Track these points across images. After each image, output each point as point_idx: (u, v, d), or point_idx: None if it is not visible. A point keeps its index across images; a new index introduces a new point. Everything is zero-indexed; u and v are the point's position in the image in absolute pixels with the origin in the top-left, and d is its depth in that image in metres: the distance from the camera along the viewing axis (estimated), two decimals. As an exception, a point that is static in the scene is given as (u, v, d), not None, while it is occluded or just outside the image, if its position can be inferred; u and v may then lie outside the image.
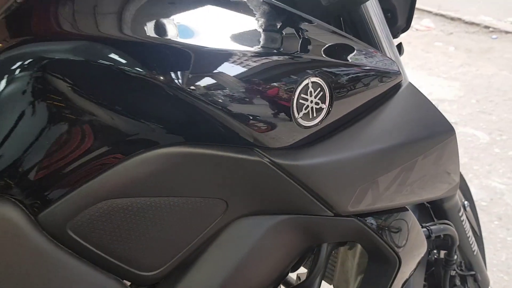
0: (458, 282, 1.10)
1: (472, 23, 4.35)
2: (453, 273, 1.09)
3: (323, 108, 0.57)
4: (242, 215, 0.60)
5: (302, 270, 0.78)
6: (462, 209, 1.05)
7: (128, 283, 0.59)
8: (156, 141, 0.52)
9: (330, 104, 0.57)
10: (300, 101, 0.55)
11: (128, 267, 0.56)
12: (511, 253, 1.91)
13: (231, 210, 0.58)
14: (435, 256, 1.09)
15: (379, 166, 0.62)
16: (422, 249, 0.79)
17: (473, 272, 1.12)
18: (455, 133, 0.72)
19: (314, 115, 0.56)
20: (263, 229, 0.61)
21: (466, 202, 1.11)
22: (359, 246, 0.77)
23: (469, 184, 1.30)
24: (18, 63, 0.47)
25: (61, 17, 0.48)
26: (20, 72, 0.47)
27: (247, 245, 0.61)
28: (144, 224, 0.54)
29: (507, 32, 4.14)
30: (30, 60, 0.47)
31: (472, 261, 1.12)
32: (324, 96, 0.56)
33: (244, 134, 0.53)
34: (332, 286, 0.84)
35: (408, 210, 0.76)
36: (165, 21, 0.51)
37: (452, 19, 4.48)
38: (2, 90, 0.47)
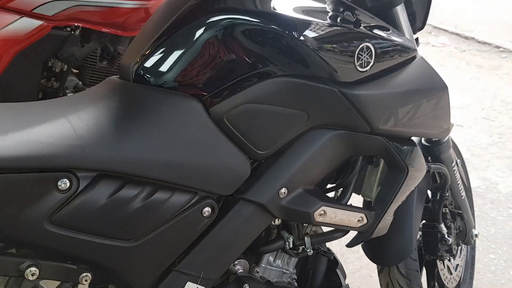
0: (449, 217, 1.49)
1: (484, 43, 4.72)
2: (445, 210, 1.48)
3: (370, 62, 0.98)
4: (314, 126, 1.00)
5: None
6: (455, 162, 1.44)
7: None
8: (274, 71, 0.92)
9: (375, 60, 0.98)
10: (358, 55, 0.96)
11: (252, 147, 0.95)
12: (499, 228, 2.28)
13: (310, 120, 0.98)
14: (432, 198, 1.48)
15: (400, 100, 1.03)
16: (422, 172, 1.17)
17: (460, 212, 1.51)
18: (448, 90, 1.13)
19: (365, 65, 0.97)
20: (325, 138, 1.01)
21: (458, 160, 1.50)
22: (380, 165, 1.16)
23: (469, 174, 1.68)
24: (219, 21, 0.89)
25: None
26: (218, 25, 0.89)
27: (313, 148, 1.01)
28: (269, 122, 0.94)
29: (516, 53, 4.51)
30: (223, 19, 0.89)
31: (461, 204, 1.51)
32: (371, 55, 0.97)
33: (326, 71, 0.94)
34: (360, 196, 1.23)
35: (416, 145, 1.15)
36: (278, 3, 0.92)
37: (466, 38, 4.86)
38: (203, 31, 0.89)
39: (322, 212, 1.02)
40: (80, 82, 1.92)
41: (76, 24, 1.79)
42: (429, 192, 1.49)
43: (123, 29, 1.83)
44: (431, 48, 4.58)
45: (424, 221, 1.49)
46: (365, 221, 1.10)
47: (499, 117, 3.33)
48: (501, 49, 4.59)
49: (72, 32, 1.82)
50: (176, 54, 0.92)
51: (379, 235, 1.16)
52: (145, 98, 0.91)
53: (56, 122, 0.83)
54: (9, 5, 1.66)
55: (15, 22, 1.67)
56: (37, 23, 1.69)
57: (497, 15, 5.68)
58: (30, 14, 1.68)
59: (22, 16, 1.67)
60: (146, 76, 0.93)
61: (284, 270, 1.17)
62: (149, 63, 0.93)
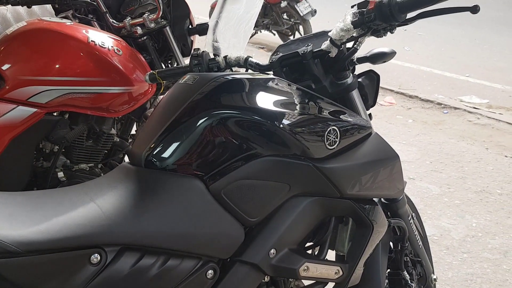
0: (410, 265, 1.70)
1: (427, 100, 5.18)
2: (406, 259, 1.70)
3: (337, 141, 1.21)
4: (295, 195, 1.21)
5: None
6: (410, 216, 1.68)
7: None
8: (261, 153, 1.14)
9: (340, 139, 1.22)
10: (327, 136, 1.19)
11: (246, 216, 1.14)
12: (455, 272, 2.52)
13: (291, 190, 1.19)
14: (394, 248, 1.69)
15: (362, 170, 1.26)
16: (384, 227, 1.40)
17: (419, 259, 1.73)
18: (399, 159, 1.38)
19: (333, 143, 1.21)
20: (304, 204, 1.22)
21: (413, 213, 1.73)
22: (350, 224, 1.37)
23: (424, 223, 1.92)
24: (215, 115, 1.10)
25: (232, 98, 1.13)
26: (212, 119, 1.10)
27: (295, 213, 1.21)
28: (258, 194, 1.14)
29: (456, 108, 4.97)
30: (219, 113, 1.11)
31: (419, 252, 1.73)
32: (337, 135, 1.21)
33: (302, 150, 1.17)
34: (334, 251, 1.43)
35: (378, 205, 1.38)
36: (260, 100, 1.16)
37: (411, 96, 5.32)
38: (202, 124, 1.10)
39: (305, 267, 1.21)
40: (68, 161, 2.07)
41: (66, 110, 1.97)
42: (391, 244, 1.71)
43: (108, 112, 2.02)
44: (380, 107, 4.98)
45: (389, 270, 1.70)
46: (341, 273, 1.29)
47: (446, 169, 3.66)
48: (442, 105, 5.05)
49: (62, 116, 2.00)
50: (180, 143, 1.13)
51: (353, 285, 1.36)
52: (156, 181, 1.10)
53: (84, 205, 1.01)
54: (6, 96, 1.83)
55: (11, 111, 1.83)
56: (31, 110, 1.87)
57: (437, 71, 6.26)
58: (25, 103, 1.86)
59: (18, 105, 1.84)
60: (154, 161, 1.13)
61: (274, 321, 1.34)
62: (157, 151, 1.14)
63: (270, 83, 1.21)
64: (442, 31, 8.27)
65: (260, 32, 7.40)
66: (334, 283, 1.33)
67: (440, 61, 6.72)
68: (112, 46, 1.97)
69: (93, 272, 0.95)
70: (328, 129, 1.21)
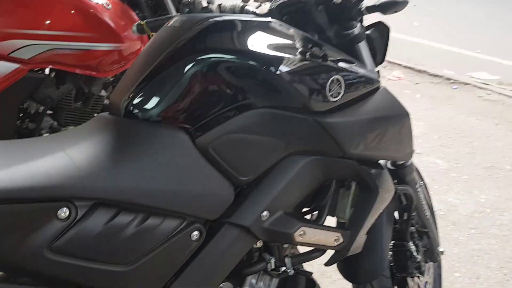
0: (416, 236, 1.59)
1: (436, 75, 5.02)
2: (412, 229, 1.58)
3: (341, 92, 1.09)
4: (291, 153, 1.08)
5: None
6: (418, 184, 1.56)
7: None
8: (255, 104, 1.02)
9: (345, 91, 1.09)
10: (330, 86, 1.06)
11: (236, 174, 1.02)
12: (462, 248, 2.41)
13: (288, 147, 1.06)
14: (400, 218, 1.58)
15: (368, 127, 1.13)
16: (390, 193, 1.27)
17: (426, 230, 1.61)
18: (409, 117, 1.25)
19: (336, 95, 1.08)
20: (301, 164, 1.09)
21: (421, 182, 1.61)
22: (352, 188, 1.25)
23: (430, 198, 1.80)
24: (202, 60, 0.98)
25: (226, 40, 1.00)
26: (202, 63, 0.98)
27: (291, 173, 1.09)
28: (250, 150, 1.02)
29: (465, 84, 4.81)
30: (207, 58, 0.98)
31: (426, 223, 1.61)
32: (341, 86, 1.08)
33: (301, 101, 1.04)
34: (334, 218, 1.31)
35: (384, 168, 1.26)
36: (256, 43, 1.02)
37: (419, 71, 5.15)
38: (189, 70, 0.97)
39: (302, 232, 1.09)
40: (56, 123, 1.96)
41: (51, 67, 1.85)
42: (396, 214, 1.60)
43: (97, 71, 1.90)
44: (387, 82, 4.82)
45: (393, 241, 1.58)
46: (341, 240, 1.18)
47: (454, 143, 3.53)
48: (452, 80, 4.89)
49: (48, 74, 1.88)
50: (163, 91, 1.00)
51: (354, 254, 1.24)
52: (135, 132, 0.98)
53: (55, 155, 0.89)
54: (-14, 50, 1.71)
55: (-9, 66, 1.71)
56: (13, 66, 1.75)
57: (447, 47, 6.07)
58: (7, 58, 1.73)
59: (-1, 60, 1.72)
60: (135, 112, 1.01)
61: (267, 293, 1.23)
62: (138, 100, 1.01)
63: (268, 26, 1.08)
64: (453, 6, 8.02)
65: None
66: (333, 252, 1.22)
67: (450, 36, 6.51)
68: (101, 0, 1.84)
69: (60, 228, 0.84)
70: (332, 78, 1.08)
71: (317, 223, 1.17)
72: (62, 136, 1.01)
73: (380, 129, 1.17)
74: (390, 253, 1.61)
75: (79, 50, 1.82)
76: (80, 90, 1.96)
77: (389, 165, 1.50)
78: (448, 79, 4.93)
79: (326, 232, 1.15)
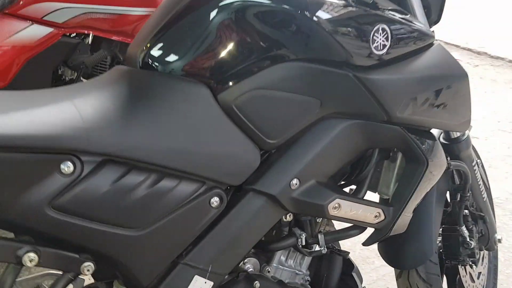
0: (470, 219, 1.42)
1: (497, 57, 4.67)
2: (466, 212, 1.42)
3: (386, 45, 0.94)
4: (328, 115, 0.95)
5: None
6: (475, 162, 1.38)
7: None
8: (287, 55, 0.89)
9: (391, 44, 0.94)
10: (374, 37, 0.92)
11: (262, 136, 0.91)
12: (520, 238, 2.20)
13: (323, 107, 0.94)
14: (452, 200, 1.41)
15: (418, 86, 0.98)
16: (442, 167, 1.12)
17: (482, 214, 1.44)
18: (468, 78, 1.08)
19: (381, 48, 0.94)
20: (339, 128, 0.96)
21: (478, 160, 1.44)
22: (398, 160, 1.10)
23: None
24: (228, 4, 0.86)
25: None
26: (228, 8, 0.86)
27: (327, 138, 0.96)
28: (279, 109, 0.91)
29: (530, 67, 4.45)
30: (233, 2, 0.86)
31: (482, 206, 1.44)
32: (387, 37, 0.94)
33: (340, 54, 0.91)
34: (376, 194, 1.17)
35: (436, 139, 1.10)
36: None
37: (479, 53, 4.81)
38: (213, 16, 0.86)
39: (336, 205, 0.97)
40: (90, 90, 1.91)
41: (86, 32, 1.79)
42: (448, 196, 1.44)
43: (132, 37, 1.82)
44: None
45: (444, 226, 1.43)
46: (382, 217, 1.04)
47: (516, 129, 3.25)
48: (514, 63, 4.54)
49: (82, 40, 1.83)
50: (183, 40, 0.90)
51: (397, 233, 1.11)
52: (152, 84, 0.89)
53: (62, 106, 0.81)
54: (19, 12, 1.67)
55: (25, 29, 1.67)
56: (47, 30, 1.70)
57: (508, 31, 5.64)
58: (41, 22, 1.69)
59: (33, 23, 1.68)
60: (152, 63, 0.91)
61: (297, 271, 1.12)
62: (155, 50, 0.91)
63: None
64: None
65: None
66: (373, 230, 1.08)
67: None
68: (136, -38, 1.75)
69: (63, 184, 0.76)
70: (376, 27, 0.93)
71: (355, 196, 1.04)
72: (73, 87, 0.93)
73: (432, 90, 1.01)
74: (440, 239, 1.46)
75: (113, 14, 1.75)
76: (115, 58, 1.90)
77: (441, 139, 1.35)
78: (511, 61, 4.58)
79: (365, 207, 1.02)
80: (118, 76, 0.91)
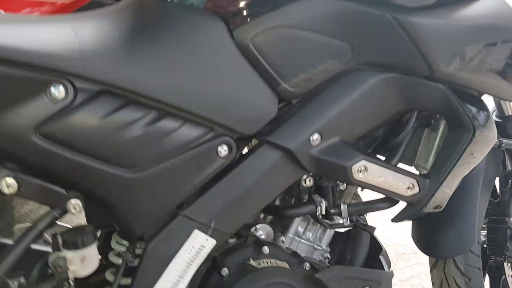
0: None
1: None
2: (518, 203, 1.25)
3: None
4: (360, 65, 0.83)
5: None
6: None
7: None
8: None
9: None
10: None
11: (282, 82, 0.80)
12: None
13: (354, 54, 0.81)
14: (502, 188, 1.25)
15: (468, 36, 0.84)
16: (491, 139, 0.96)
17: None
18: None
19: None
20: (372, 81, 0.84)
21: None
22: (440, 130, 0.96)
23: None
24: None
25: None
26: None
27: (356, 91, 0.84)
28: (303, 52, 0.80)
29: None
30: None
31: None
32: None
33: None
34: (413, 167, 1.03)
35: (486, 106, 0.95)
36: None
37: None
38: None
39: (362, 167, 0.84)
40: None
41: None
42: (497, 185, 1.28)
43: None
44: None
45: (490, 216, 1.26)
46: (416, 189, 0.91)
47: None
48: None
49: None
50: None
51: (434, 214, 0.97)
52: (161, 13, 0.80)
53: (60, 27, 0.73)
54: None
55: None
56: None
57: None
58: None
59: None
60: None
61: (315, 245, 1.00)
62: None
63: None
64: None
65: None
66: (405, 204, 0.95)
67: None
68: None
69: (53, 109, 0.68)
70: None
71: (385, 162, 0.91)
72: (79, 14, 0.85)
73: (485, 43, 0.87)
74: (484, 233, 1.30)
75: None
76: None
77: (494, 117, 1.19)
78: None
79: (396, 175, 0.88)
80: (130, 4, 0.83)
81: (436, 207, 0.95)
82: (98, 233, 0.91)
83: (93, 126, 0.70)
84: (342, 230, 1.06)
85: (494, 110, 1.20)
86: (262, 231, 0.94)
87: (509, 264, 1.28)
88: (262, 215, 0.98)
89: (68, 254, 0.72)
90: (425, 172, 0.97)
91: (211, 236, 0.80)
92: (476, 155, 0.95)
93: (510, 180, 1.21)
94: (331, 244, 1.03)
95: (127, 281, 0.80)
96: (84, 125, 0.70)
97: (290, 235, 0.97)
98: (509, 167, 1.22)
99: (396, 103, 0.87)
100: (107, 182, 0.73)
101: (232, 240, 0.92)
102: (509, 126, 1.16)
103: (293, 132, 0.81)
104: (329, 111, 0.82)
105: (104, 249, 0.87)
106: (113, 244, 0.87)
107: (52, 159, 0.69)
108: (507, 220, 1.21)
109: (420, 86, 0.86)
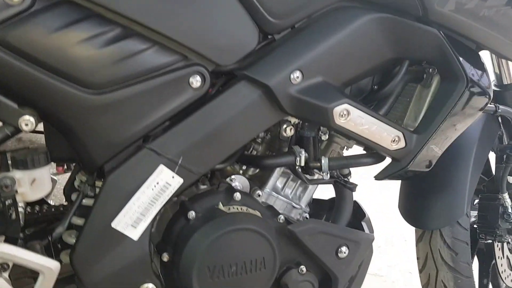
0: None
1: None
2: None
3: None
4: (347, 1, 0.78)
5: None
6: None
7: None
8: None
9: None
10: None
11: (265, 13, 0.74)
12: None
13: None
14: (497, 163, 1.19)
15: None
16: (486, 96, 0.89)
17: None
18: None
19: None
20: (360, 20, 0.78)
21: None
22: (433, 85, 0.90)
23: None
24: None
25: None
26: None
27: (343, 30, 0.78)
28: None
29: None
30: None
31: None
32: None
33: None
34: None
35: (482, 60, 0.90)
36: None
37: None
38: None
39: (344, 112, 0.79)
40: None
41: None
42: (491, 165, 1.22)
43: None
44: None
45: (483, 193, 1.20)
46: (402, 143, 0.85)
47: None
48: None
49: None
50: None
51: (421, 172, 0.91)
52: None
53: None
54: None
55: None
56: None
57: None
58: None
59: None
60: None
61: (294, 204, 0.94)
62: None
63: None
64: None
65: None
66: (390, 159, 0.89)
67: None
68: None
69: (7, 12, 0.62)
70: None
71: (370, 110, 0.85)
72: None
73: None
74: (475, 214, 1.24)
75: None
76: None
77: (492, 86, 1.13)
78: None
79: (381, 124, 0.82)
80: None
81: (423, 166, 0.89)
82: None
83: (51, 36, 0.65)
84: (325, 199, 1.01)
85: (493, 80, 1.14)
86: (238, 181, 0.88)
87: (499, 245, 1.22)
88: (241, 170, 0.92)
89: (17, 174, 0.66)
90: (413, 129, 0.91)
91: (178, 173, 0.75)
92: (468, 112, 0.89)
93: (505, 154, 1.14)
94: (312, 213, 0.97)
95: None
96: (41, 34, 0.65)
97: (268, 190, 0.91)
98: (505, 142, 1.16)
99: (386, 47, 0.82)
100: (64, 100, 0.67)
101: (203, 187, 0.86)
102: (507, 94, 1.10)
103: (273, 68, 0.76)
104: (312, 48, 0.77)
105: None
106: (76, 182, 0.81)
107: (4, 68, 0.64)
108: (500, 196, 1.14)
109: (412, 30, 0.81)
